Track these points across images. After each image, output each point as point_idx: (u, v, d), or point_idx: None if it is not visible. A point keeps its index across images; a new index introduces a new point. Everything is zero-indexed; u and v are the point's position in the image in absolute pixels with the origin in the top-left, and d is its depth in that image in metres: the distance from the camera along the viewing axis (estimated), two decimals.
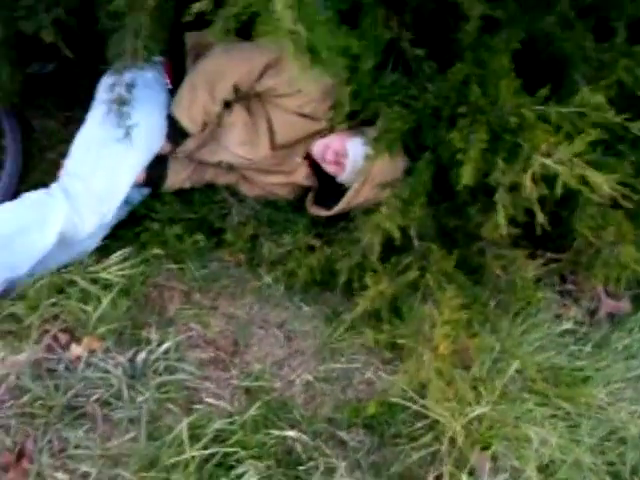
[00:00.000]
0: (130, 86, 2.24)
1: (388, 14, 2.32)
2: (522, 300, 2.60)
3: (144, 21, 1.93)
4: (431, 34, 2.43)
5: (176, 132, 2.53)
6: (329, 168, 2.62)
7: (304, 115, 2.56)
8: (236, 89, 2.51)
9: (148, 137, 2.47)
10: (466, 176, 2.17)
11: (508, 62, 2.26)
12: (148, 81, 2.48)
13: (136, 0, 1.83)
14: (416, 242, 2.44)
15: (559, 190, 2.09)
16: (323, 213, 2.71)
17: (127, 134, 2.27)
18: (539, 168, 2.10)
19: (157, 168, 2.59)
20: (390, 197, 2.36)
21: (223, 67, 2.48)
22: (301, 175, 2.77)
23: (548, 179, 2.13)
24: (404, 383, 2.27)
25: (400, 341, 2.38)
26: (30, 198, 2.29)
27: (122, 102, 2.24)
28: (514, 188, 2.22)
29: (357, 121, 2.55)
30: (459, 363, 2.31)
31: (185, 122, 2.50)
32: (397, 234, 2.31)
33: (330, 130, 2.63)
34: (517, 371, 2.42)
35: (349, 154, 2.53)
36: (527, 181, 2.11)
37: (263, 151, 2.63)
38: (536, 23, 2.36)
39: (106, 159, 2.37)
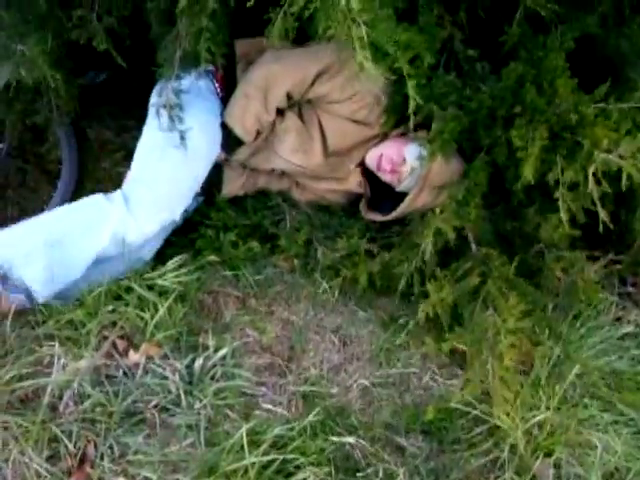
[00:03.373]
0: (178, 91, 2.24)
1: (442, 13, 2.30)
2: (582, 302, 2.54)
3: (205, 24, 1.92)
4: (484, 34, 2.41)
5: (230, 140, 2.54)
6: (385, 177, 2.59)
7: (356, 121, 2.54)
8: (289, 96, 2.50)
9: (205, 145, 2.48)
10: (527, 173, 2.13)
11: (563, 61, 2.23)
12: (200, 89, 2.49)
13: (196, 2, 1.82)
14: (474, 247, 2.41)
15: (624, 183, 2.05)
16: (379, 219, 2.68)
17: (182, 138, 2.27)
18: (601, 164, 2.06)
19: (212, 176, 2.58)
20: (445, 199, 2.33)
21: (275, 75, 2.46)
22: (354, 182, 2.75)
23: (610, 176, 2.09)
24: (466, 391, 2.22)
25: (459, 347, 2.34)
26: (87, 200, 2.33)
27: (172, 106, 2.24)
28: (574, 187, 2.18)
29: (410, 125, 2.49)
30: (520, 369, 2.27)
31: (239, 131, 2.50)
32: (452, 235, 2.28)
33: (383, 137, 2.60)
34: (578, 376, 2.36)
35: (407, 161, 2.50)
36: (590, 177, 2.07)
37: (316, 158, 2.62)
38: (587, 22, 2.33)
39: (167, 164, 2.39)
